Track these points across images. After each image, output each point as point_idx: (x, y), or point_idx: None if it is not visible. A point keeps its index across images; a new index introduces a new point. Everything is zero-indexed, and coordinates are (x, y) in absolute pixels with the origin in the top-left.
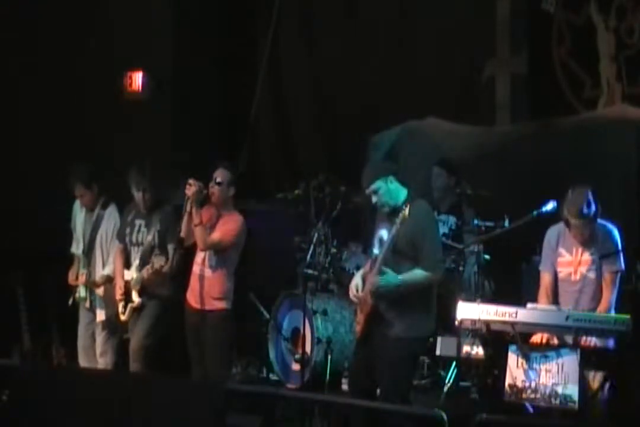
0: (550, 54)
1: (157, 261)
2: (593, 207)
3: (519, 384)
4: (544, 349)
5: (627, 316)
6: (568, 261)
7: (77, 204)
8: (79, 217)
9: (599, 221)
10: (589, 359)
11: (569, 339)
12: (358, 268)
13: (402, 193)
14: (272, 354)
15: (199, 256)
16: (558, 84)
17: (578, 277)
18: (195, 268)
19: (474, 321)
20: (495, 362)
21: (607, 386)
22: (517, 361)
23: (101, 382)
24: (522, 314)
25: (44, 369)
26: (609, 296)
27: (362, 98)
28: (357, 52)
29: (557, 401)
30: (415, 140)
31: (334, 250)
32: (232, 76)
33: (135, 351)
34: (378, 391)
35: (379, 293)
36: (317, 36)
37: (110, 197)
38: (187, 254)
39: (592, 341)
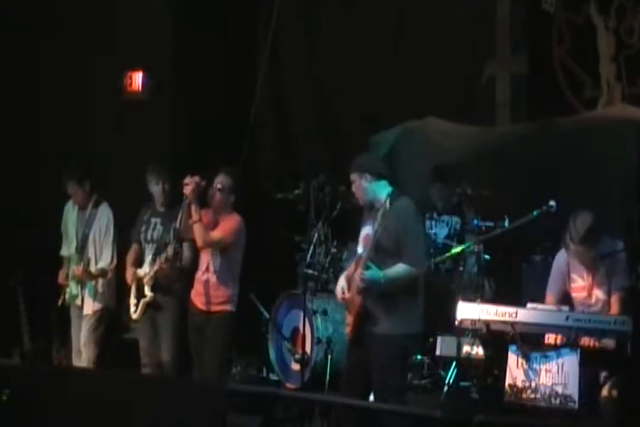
0: (550, 54)
1: (170, 249)
2: (596, 233)
3: (519, 384)
4: (544, 349)
5: (627, 316)
6: (582, 286)
7: (69, 205)
8: (71, 216)
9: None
10: (589, 359)
11: (569, 339)
12: None
13: (384, 191)
14: (272, 354)
15: (203, 262)
16: (558, 84)
17: (593, 300)
18: (199, 274)
19: (474, 321)
20: (495, 362)
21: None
22: (517, 361)
23: (101, 382)
24: (522, 314)
25: (44, 369)
26: (616, 313)
27: (362, 98)
28: (357, 52)
29: (557, 401)
30: (415, 140)
31: (334, 250)
32: (232, 76)
33: (168, 361)
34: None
35: (365, 290)
36: (317, 36)
37: (102, 197)
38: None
39: (592, 341)
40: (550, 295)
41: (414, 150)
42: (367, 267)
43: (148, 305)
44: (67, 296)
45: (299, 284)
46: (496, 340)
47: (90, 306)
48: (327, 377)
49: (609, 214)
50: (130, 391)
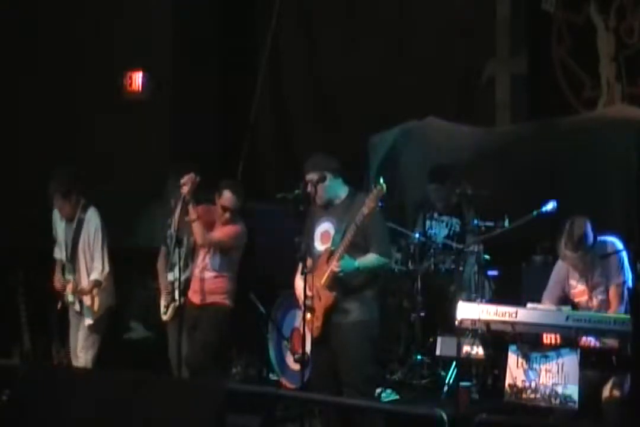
0: (550, 54)
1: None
2: (590, 240)
3: (519, 384)
4: (544, 349)
5: (627, 316)
6: (581, 290)
7: (56, 213)
8: (59, 225)
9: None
10: (589, 359)
11: (569, 339)
12: None
13: (342, 188)
14: (272, 354)
15: (201, 260)
16: (558, 84)
17: (595, 302)
18: (196, 271)
19: (474, 321)
20: (495, 362)
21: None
22: (517, 361)
23: (101, 382)
24: (522, 314)
25: (44, 369)
26: (615, 309)
27: (362, 98)
28: (357, 52)
29: (557, 401)
30: (414, 140)
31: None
32: (232, 76)
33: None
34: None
35: (337, 283)
36: (317, 36)
37: (89, 201)
38: None
39: (592, 341)
40: (547, 301)
41: (414, 151)
42: (341, 259)
43: (178, 309)
44: (65, 299)
45: None
46: (496, 340)
47: (87, 317)
48: None
49: (609, 214)
50: (130, 391)
